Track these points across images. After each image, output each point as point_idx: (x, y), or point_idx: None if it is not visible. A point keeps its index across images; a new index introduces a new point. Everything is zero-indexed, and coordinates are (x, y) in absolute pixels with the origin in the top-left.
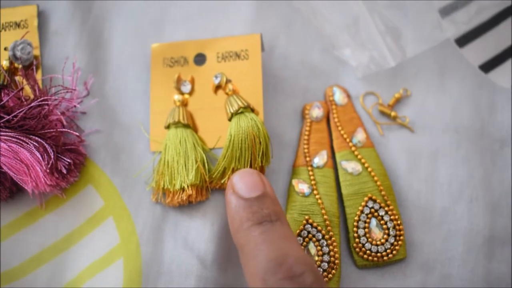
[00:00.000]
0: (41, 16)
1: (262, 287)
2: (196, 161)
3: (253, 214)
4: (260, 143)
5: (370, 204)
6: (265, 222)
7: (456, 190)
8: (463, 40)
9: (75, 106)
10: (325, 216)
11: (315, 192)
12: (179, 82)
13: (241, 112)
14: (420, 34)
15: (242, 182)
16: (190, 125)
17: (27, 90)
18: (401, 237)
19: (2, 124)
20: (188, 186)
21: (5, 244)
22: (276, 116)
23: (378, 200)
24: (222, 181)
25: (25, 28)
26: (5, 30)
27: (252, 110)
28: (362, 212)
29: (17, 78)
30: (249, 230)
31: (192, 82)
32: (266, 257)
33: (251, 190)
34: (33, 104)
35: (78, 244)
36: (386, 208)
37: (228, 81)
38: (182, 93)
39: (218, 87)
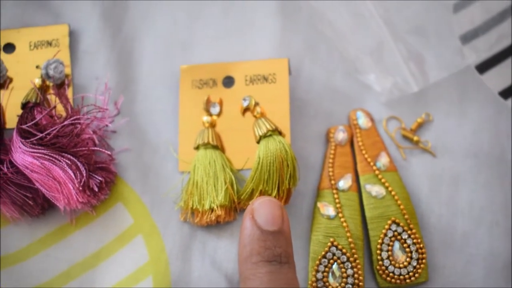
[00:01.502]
0: (72, 35)
1: None
2: (225, 182)
3: (265, 249)
4: (288, 166)
5: (394, 227)
6: (275, 262)
7: (476, 214)
8: (484, 67)
9: (107, 125)
10: (350, 239)
11: (340, 215)
12: (208, 104)
13: (270, 135)
14: (442, 60)
15: (263, 211)
16: (219, 147)
17: (59, 108)
18: (423, 260)
19: (35, 141)
20: (217, 207)
21: (36, 260)
22: (301, 139)
23: (401, 224)
24: (250, 202)
25: (57, 46)
26: (37, 48)
27: (280, 133)
28: (385, 235)
29: (48, 96)
30: (257, 265)
31: (221, 103)
32: None
33: (270, 223)
34: (66, 122)
35: (107, 261)
36: (409, 232)
37: (256, 104)
38: (210, 115)
39: (246, 110)
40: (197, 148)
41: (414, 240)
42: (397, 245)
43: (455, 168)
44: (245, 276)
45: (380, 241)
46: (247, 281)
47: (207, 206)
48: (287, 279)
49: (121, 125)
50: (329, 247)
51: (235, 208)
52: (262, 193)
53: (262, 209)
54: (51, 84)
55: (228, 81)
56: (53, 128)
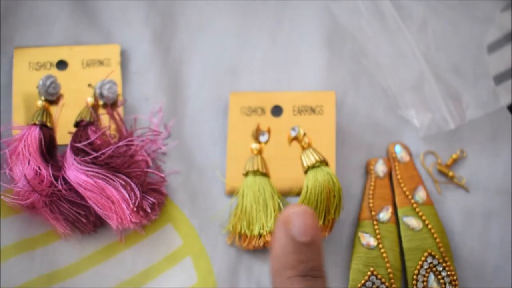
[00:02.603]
0: (122, 55)
1: None
2: (275, 210)
3: (299, 263)
4: (334, 196)
5: (429, 259)
6: (309, 277)
7: (507, 249)
8: None
9: (160, 148)
10: (389, 270)
11: (380, 246)
12: (258, 132)
13: (318, 166)
14: (478, 100)
15: (298, 222)
16: (268, 175)
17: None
18: None
19: (89, 160)
20: (266, 233)
21: (85, 276)
22: (342, 169)
23: (437, 256)
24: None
25: (108, 66)
26: (89, 66)
27: (327, 164)
28: (421, 266)
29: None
30: (291, 280)
31: (269, 132)
32: None
33: (303, 233)
34: (120, 143)
35: (155, 281)
36: (444, 264)
37: (304, 134)
38: (259, 142)
39: (293, 139)
40: (246, 174)
41: (449, 273)
42: (432, 276)
43: (488, 204)
44: None
45: (416, 272)
46: None
47: (256, 232)
48: None
49: (171, 147)
50: (369, 276)
51: None
52: None
53: (297, 219)
54: (101, 103)
55: (276, 110)
56: (108, 148)
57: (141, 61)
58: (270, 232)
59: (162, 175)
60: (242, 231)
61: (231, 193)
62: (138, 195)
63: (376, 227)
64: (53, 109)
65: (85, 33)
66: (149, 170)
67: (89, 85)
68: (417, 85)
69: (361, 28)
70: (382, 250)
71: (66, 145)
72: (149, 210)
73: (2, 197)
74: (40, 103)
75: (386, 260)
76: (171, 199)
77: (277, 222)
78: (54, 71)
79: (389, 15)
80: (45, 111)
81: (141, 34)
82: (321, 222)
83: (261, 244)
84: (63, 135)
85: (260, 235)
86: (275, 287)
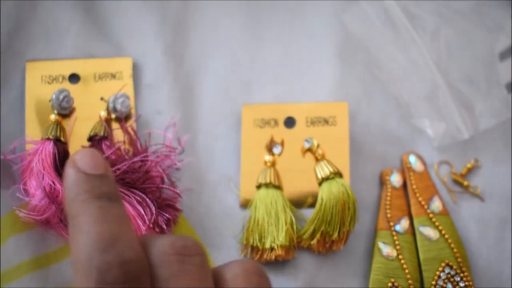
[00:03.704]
0: (134, 69)
1: (85, 263)
2: (286, 223)
3: (93, 188)
4: (349, 208)
5: (447, 270)
6: (104, 199)
7: None
8: None
9: (175, 163)
10: (409, 281)
11: (400, 256)
12: (272, 144)
13: (332, 178)
14: (491, 109)
15: (86, 160)
16: (281, 187)
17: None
18: None
19: None
20: (277, 246)
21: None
22: (356, 180)
23: (454, 267)
24: (312, 242)
25: (120, 79)
26: (101, 80)
27: (341, 176)
28: (439, 277)
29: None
30: (86, 201)
31: (282, 144)
32: (99, 235)
33: (94, 167)
34: (136, 159)
35: None
36: (461, 275)
37: (318, 145)
38: (273, 154)
39: (307, 151)
40: (258, 186)
41: (466, 283)
42: (450, 287)
43: (503, 213)
44: (73, 214)
45: (434, 282)
46: (75, 219)
47: (267, 245)
48: (119, 215)
49: (184, 162)
50: (390, 287)
51: (294, 247)
52: (323, 234)
53: (85, 158)
54: (113, 117)
55: (289, 122)
56: (123, 164)
57: (153, 74)
58: (282, 246)
59: (178, 191)
60: (254, 244)
61: (246, 206)
62: (154, 212)
63: (395, 238)
64: (65, 122)
65: (96, 46)
66: (164, 186)
67: (102, 99)
68: (430, 95)
69: (373, 38)
70: (402, 261)
71: None
72: (164, 227)
73: (16, 212)
74: (53, 117)
75: (406, 271)
76: (183, 216)
77: (65, 166)
78: (67, 85)
79: (401, 25)
80: (58, 125)
81: (152, 46)
82: (336, 234)
83: (273, 257)
84: (76, 149)
85: (271, 248)
86: (70, 215)
